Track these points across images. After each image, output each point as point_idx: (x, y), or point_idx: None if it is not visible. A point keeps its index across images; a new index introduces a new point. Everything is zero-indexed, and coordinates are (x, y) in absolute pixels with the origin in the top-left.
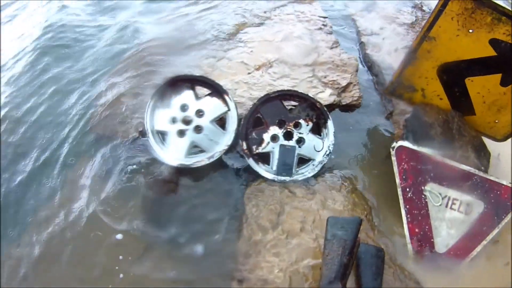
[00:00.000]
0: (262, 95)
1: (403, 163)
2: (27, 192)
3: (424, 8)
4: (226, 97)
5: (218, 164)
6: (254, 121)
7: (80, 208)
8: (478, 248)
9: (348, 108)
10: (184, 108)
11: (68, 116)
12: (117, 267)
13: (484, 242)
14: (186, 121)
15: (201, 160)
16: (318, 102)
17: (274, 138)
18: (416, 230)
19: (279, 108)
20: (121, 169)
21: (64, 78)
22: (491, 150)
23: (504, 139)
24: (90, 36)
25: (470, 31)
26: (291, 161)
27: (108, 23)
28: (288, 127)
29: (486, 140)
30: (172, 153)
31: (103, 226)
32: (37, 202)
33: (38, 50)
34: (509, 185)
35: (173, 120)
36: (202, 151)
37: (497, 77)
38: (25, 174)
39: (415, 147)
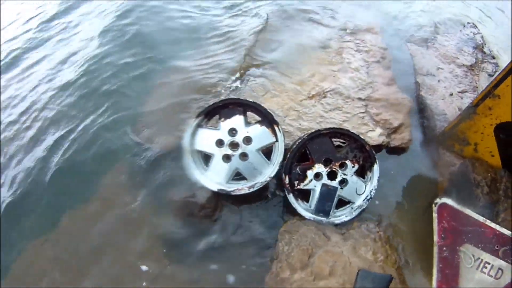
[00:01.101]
0: (311, 127)
1: (443, 221)
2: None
3: (485, 49)
4: (275, 127)
5: (258, 194)
6: (300, 156)
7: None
8: None
9: (396, 151)
10: (232, 132)
11: None
12: None
13: None
14: (234, 146)
15: (241, 188)
16: (368, 144)
17: (317, 175)
18: None
19: (328, 145)
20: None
21: None
22: None
23: None
24: None
25: None
26: (331, 202)
27: None
28: (334, 167)
29: None
30: (213, 177)
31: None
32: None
33: None
34: None
35: (220, 143)
36: (242, 178)
37: None
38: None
39: (458, 207)
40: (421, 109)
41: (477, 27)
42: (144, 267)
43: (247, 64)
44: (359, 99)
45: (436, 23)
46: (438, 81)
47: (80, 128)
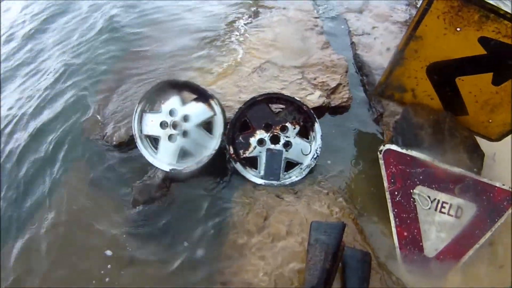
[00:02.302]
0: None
1: (391, 167)
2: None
3: (418, 5)
4: (211, 101)
5: (209, 168)
6: (240, 125)
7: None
8: (471, 252)
9: (338, 110)
10: (172, 113)
11: None
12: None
13: (477, 246)
14: (175, 126)
15: (191, 165)
16: (305, 105)
17: (261, 142)
18: (405, 233)
19: (266, 111)
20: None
21: None
22: (485, 150)
23: (499, 138)
24: None
25: (458, 29)
26: (278, 165)
27: None
28: (275, 131)
29: (481, 141)
30: (164, 158)
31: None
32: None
33: None
34: (502, 187)
35: (164, 125)
36: (193, 155)
37: (489, 76)
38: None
39: (403, 150)
40: (359, 67)
41: None
42: (108, 252)
43: None
44: (295, 67)
45: None
46: (374, 38)
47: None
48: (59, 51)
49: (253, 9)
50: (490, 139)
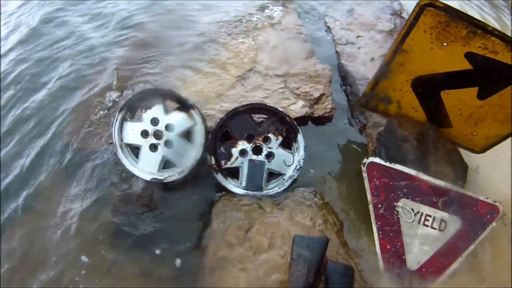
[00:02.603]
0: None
1: (374, 179)
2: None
3: (403, 15)
4: (192, 111)
5: (190, 178)
6: (222, 136)
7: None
8: (454, 265)
9: (321, 120)
10: (155, 122)
11: None
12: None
13: (460, 259)
14: (158, 135)
15: (172, 174)
16: (288, 115)
17: (243, 152)
18: (388, 246)
19: (248, 122)
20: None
21: None
22: (469, 163)
23: (483, 151)
24: None
25: (444, 44)
26: (261, 176)
27: None
28: (257, 142)
29: (465, 153)
30: (145, 167)
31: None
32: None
33: None
34: (486, 200)
35: (145, 134)
36: (174, 165)
37: (474, 90)
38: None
39: (386, 163)
40: (343, 77)
41: None
42: (84, 258)
43: None
44: (278, 75)
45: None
46: (358, 48)
47: None
48: None
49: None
50: (473, 151)
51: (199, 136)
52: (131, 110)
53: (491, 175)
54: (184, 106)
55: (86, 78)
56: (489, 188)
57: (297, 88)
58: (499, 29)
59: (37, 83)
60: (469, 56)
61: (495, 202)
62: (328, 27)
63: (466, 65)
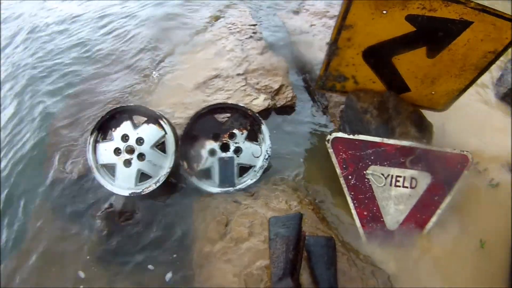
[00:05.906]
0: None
1: (341, 153)
2: None
3: None
4: (161, 121)
5: (166, 187)
6: (191, 140)
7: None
8: (434, 218)
9: (284, 109)
10: (125, 138)
11: None
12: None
13: (439, 211)
14: (130, 151)
15: (149, 186)
16: (249, 109)
17: (212, 152)
18: (365, 213)
19: (211, 122)
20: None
21: None
22: (435, 122)
23: (445, 108)
24: None
25: (384, 12)
26: (232, 171)
27: None
28: (224, 139)
29: (430, 113)
30: (123, 184)
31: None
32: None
33: None
34: (453, 151)
35: (118, 151)
36: (150, 177)
37: (423, 50)
38: None
39: (350, 136)
40: (301, 66)
41: None
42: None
43: None
44: (238, 74)
45: None
46: (313, 36)
47: None
48: None
49: None
50: (436, 109)
51: (170, 145)
52: (102, 131)
53: (458, 130)
54: (151, 118)
55: None
56: (458, 141)
57: (257, 83)
58: None
59: None
60: (410, 18)
61: (463, 151)
62: (282, 21)
63: (409, 28)
